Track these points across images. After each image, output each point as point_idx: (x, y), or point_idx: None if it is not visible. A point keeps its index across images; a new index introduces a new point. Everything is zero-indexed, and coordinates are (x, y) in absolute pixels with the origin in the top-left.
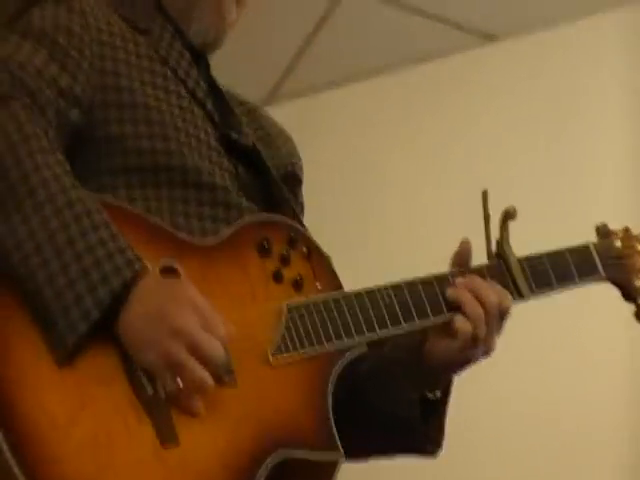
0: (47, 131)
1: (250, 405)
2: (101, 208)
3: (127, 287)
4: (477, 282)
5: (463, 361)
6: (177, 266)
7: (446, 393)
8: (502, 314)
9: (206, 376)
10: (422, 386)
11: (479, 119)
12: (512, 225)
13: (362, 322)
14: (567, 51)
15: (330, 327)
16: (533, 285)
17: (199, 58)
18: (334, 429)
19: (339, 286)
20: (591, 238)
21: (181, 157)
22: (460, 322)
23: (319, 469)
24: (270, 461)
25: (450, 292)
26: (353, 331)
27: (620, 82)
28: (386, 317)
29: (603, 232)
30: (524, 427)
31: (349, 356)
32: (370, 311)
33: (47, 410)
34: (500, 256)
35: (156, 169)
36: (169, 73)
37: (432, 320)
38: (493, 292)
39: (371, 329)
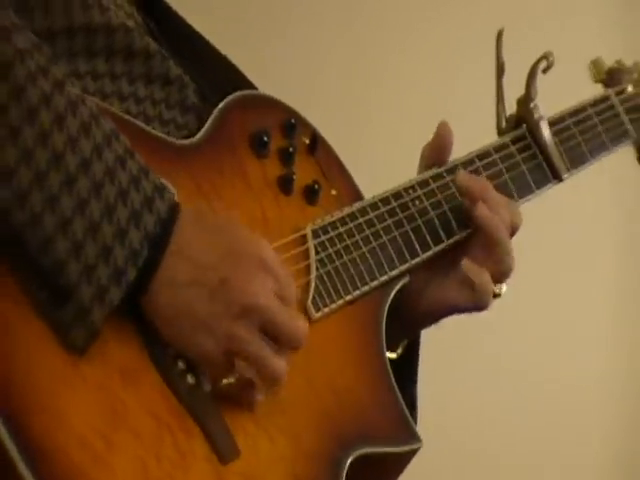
0: None
1: (302, 386)
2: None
3: (165, 228)
4: (491, 191)
5: (453, 303)
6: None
7: (412, 352)
8: (511, 234)
9: (283, 369)
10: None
11: None
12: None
13: (402, 245)
14: None
15: (370, 258)
16: (568, 164)
17: None
18: (406, 411)
19: (354, 188)
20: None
21: (102, 12)
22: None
23: (397, 458)
24: (348, 463)
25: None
26: (396, 260)
27: None
28: (425, 232)
29: (610, 75)
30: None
31: (392, 294)
32: (406, 225)
33: (75, 430)
34: (523, 121)
35: (70, 32)
36: None
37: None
38: (507, 207)
39: (414, 254)
